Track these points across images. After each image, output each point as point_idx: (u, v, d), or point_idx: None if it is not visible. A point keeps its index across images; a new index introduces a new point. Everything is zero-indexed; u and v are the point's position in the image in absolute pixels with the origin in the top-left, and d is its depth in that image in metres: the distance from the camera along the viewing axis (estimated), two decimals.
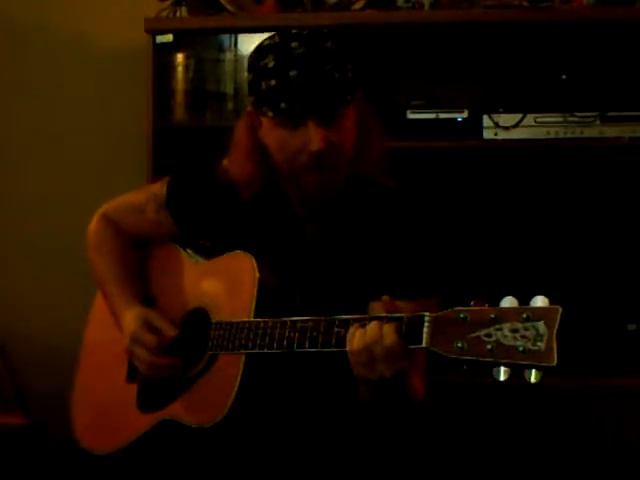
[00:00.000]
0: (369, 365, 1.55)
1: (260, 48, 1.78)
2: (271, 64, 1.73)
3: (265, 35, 2.76)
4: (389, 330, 1.52)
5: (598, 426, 2.60)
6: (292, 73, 1.70)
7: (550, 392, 2.52)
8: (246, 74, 1.81)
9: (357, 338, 1.55)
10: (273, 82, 1.72)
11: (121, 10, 3.03)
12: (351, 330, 1.57)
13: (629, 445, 2.59)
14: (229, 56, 2.87)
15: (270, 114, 1.74)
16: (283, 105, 1.71)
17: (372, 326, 1.54)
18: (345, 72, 1.74)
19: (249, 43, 2.86)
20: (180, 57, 2.85)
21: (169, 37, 2.77)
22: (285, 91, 1.71)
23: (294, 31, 1.77)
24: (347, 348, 1.56)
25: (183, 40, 2.84)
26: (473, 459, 2.57)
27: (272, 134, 1.77)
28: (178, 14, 2.84)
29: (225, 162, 1.92)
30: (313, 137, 1.71)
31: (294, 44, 1.73)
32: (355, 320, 1.58)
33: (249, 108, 1.83)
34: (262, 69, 1.74)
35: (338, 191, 1.82)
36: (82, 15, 3.10)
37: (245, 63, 2.77)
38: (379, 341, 1.53)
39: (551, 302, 1.37)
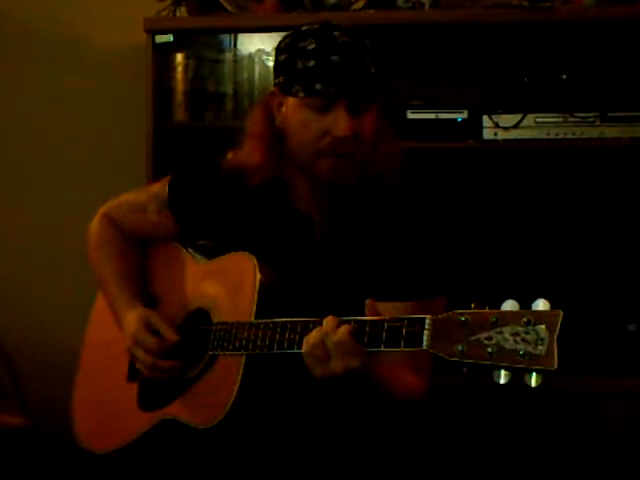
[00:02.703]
0: (323, 361, 1.56)
1: (299, 32, 1.80)
2: (312, 46, 1.75)
3: (265, 35, 2.82)
4: (344, 328, 1.54)
5: (598, 426, 2.60)
6: (334, 57, 1.73)
7: (550, 392, 2.52)
8: (276, 57, 1.82)
9: (313, 334, 1.57)
10: (312, 63, 1.74)
11: (121, 10, 3.03)
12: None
13: (630, 445, 2.59)
14: (229, 56, 2.87)
15: (301, 94, 1.76)
16: (318, 86, 1.73)
17: (328, 320, 1.56)
18: (378, 70, 1.78)
19: (249, 43, 2.87)
20: (180, 57, 2.85)
21: (169, 37, 2.77)
22: (324, 73, 1.73)
23: (334, 23, 1.80)
24: (302, 350, 1.58)
25: (183, 40, 2.84)
26: (474, 460, 2.57)
27: (296, 115, 1.78)
28: (178, 14, 2.85)
29: (230, 154, 1.93)
30: (340, 122, 1.73)
31: (336, 33, 1.76)
32: (355, 322, 1.58)
33: (273, 89, 1.84)
34: (300, 50, 1.76)
35: (349, 186, 1.82)
36: (82, 15, 3.11)
37: (245, 63, 2.85)
38: (331, 334, 1.54)
39: (551, 303, 1.37)
